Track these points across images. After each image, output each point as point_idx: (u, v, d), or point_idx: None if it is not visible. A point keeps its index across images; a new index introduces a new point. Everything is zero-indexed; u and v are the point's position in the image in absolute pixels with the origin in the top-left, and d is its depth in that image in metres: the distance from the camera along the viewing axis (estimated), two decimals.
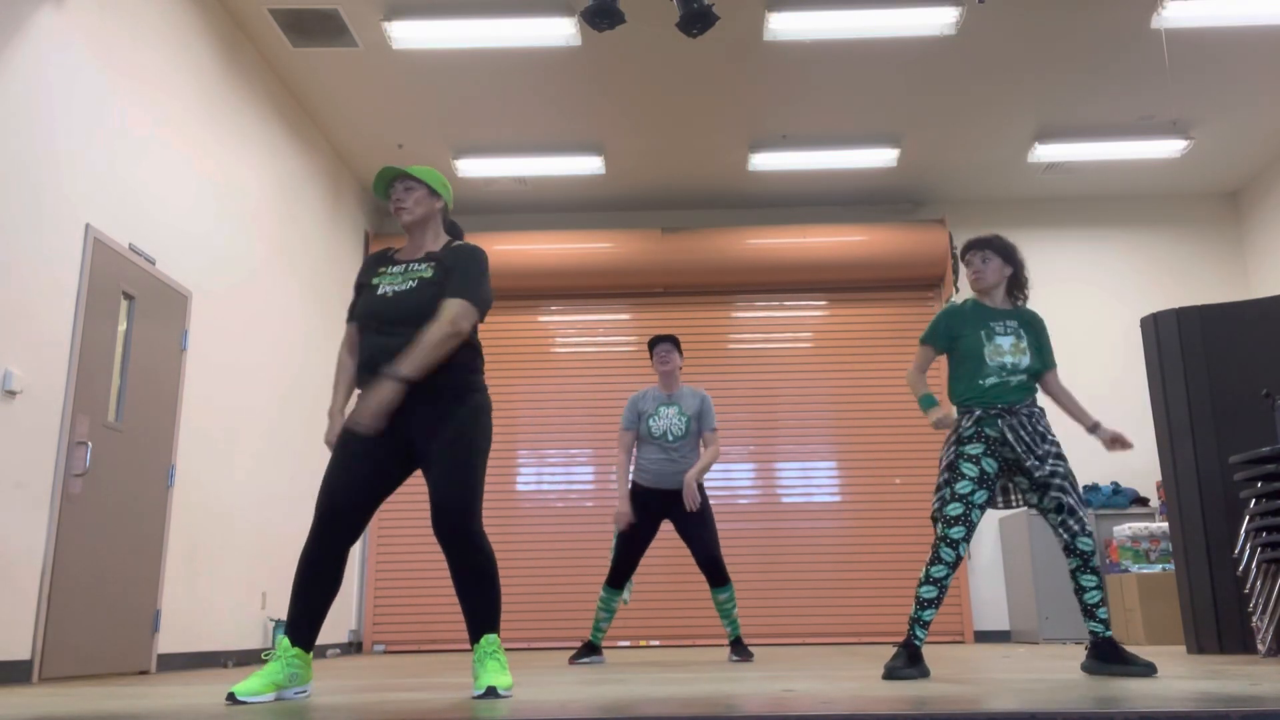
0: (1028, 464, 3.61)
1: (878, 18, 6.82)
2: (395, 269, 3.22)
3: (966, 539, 3.56)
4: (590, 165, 8.93)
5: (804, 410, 9.52)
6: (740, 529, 9.26)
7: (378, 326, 3.13)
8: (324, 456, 8.29)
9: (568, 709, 2.36)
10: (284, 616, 7.41)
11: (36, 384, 4.75)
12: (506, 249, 9.39)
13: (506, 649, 8.91)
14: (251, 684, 2.84)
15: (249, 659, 6.89)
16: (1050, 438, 3.68)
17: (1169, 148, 8.74)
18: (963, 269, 9.74)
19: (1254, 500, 5.00)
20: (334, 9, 6.69)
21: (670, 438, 5.51)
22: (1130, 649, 6.55)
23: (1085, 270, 9.76)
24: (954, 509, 3.59)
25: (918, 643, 3.53)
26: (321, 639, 8.01)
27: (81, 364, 5.06)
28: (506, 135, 8.50)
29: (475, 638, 3.03)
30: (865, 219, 9.89)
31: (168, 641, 5.90)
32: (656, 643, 9.01)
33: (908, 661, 3.47)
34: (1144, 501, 8.70)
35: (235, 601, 6.75)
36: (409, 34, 6.90)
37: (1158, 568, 7.76)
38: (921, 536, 9.14)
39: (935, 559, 3.56)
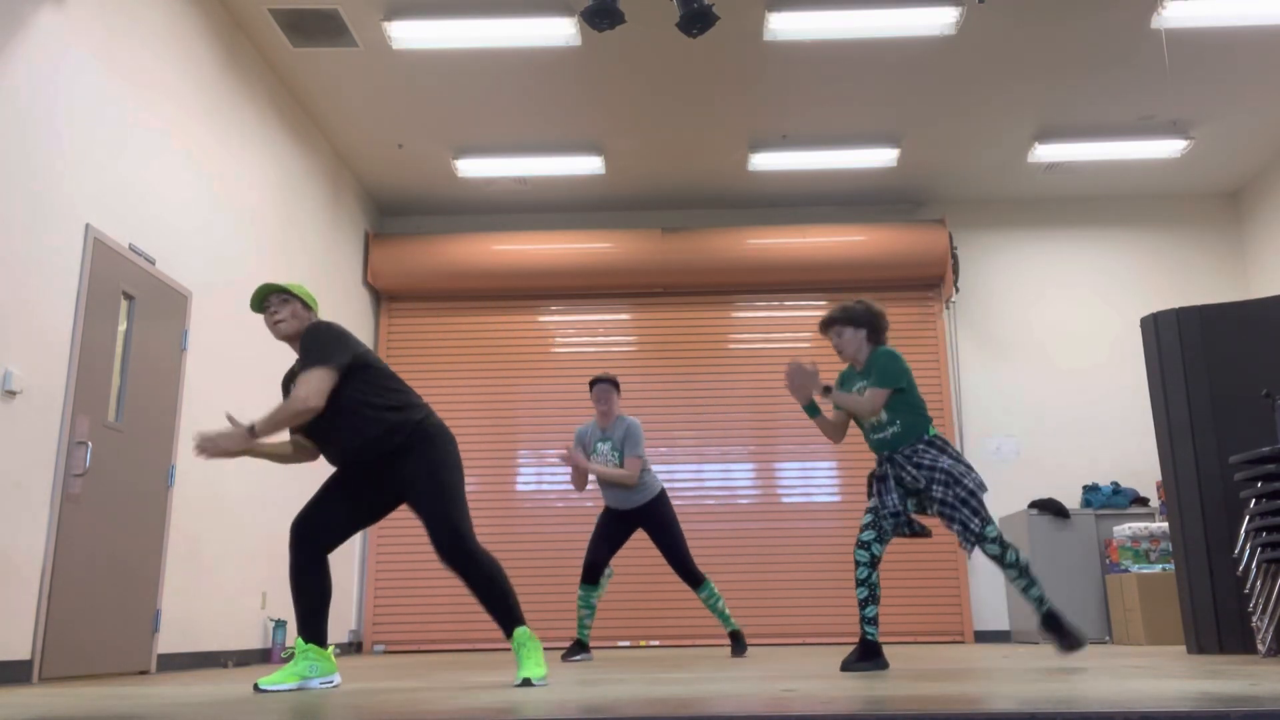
0: (914, 499, 4.16)
1: (878, 18, 6.82)
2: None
3: (877, 540, 4.06)
4: (590, 165, 8.93)
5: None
6: (740, 529, 9.26)
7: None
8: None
9: (565, 709, 2.36)
10: (284, 616, 7.42)
11: (36, 384, 4.75)
12: (506, 249, 9.39)
13: (505, 649, 8.91)
14: (275, 676, 3.30)
15: (249, 659, 6.89)
16: (930, 467, 4.05)
17: (1169, 148, 8.74)
18: (962, 270, 9.76)
19: (1254, 500, 5.00)
20: (334, 9, 6.69)
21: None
22: (1130, 649, 6.55)
23: (1085, 270, 9.76)
24: (865, 518, 4.14)
25: (870, 638, 3.98)
26: None
27: (81, 364, 5.06)
28: (506, 135, 8.50)
29: (507, 634, 3.42)
30: (865, 219, 9.89)
31: (168, 641, 5.90)
32: (656, 643, 9.01)
33: (861, 655, 3.94)
34: (1144, 501, 8.70)
35: (235, 601, 6.75)
36: (409, 34, 6.90)
37: (1158, 568, 7.76)
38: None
39: (855, 563, 4.08)
